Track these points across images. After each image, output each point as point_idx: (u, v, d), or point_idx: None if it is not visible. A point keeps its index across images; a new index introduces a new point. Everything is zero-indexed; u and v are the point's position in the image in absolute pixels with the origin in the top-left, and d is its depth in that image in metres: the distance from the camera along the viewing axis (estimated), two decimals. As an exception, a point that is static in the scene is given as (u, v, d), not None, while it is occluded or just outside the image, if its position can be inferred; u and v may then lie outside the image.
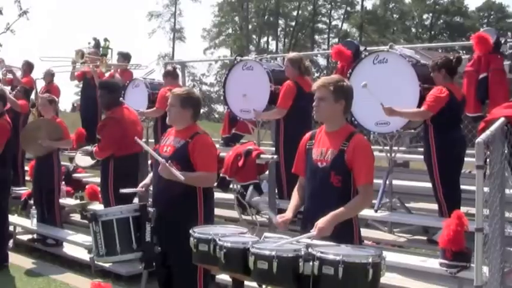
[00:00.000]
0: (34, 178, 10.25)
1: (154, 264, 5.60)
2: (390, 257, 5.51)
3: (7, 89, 13.20)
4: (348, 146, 4.71)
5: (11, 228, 10.25)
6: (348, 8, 61.77)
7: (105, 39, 29.54)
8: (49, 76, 14.36)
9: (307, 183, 4.96)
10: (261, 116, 9.57)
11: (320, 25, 64.00)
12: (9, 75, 14.61)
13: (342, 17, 62.70)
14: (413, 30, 62.17)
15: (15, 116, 12.31)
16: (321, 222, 4.55)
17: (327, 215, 4.56)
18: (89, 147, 9.02)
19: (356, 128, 5.83)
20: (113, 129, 8.24)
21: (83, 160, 9.79)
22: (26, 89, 13.17)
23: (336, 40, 57.41)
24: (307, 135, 5.11)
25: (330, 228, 4.53)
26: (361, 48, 9.29)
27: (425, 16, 62.14)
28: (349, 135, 4.79)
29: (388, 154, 8.52)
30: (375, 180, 4.96)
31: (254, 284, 4.48)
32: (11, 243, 10.10)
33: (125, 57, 13.75)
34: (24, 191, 12.19)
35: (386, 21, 60.24)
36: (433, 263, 6.64)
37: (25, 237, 10.43)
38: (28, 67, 14.45)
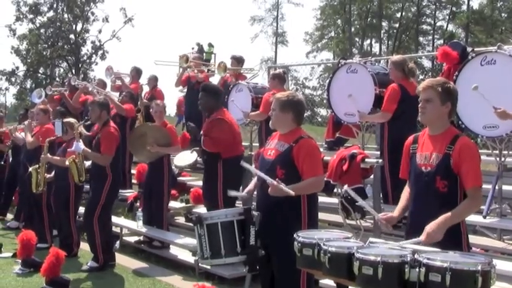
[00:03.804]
0: (145, 181, 10.50)
1: (258, 267, 5.60)
2: (500, 265, 5.31)
3: (116, 95, 13.56)
4: (454, 149, 4.60)
5: (117, 229, 10.51)
6: (453, 8, 60.26)
7: (210, 44, 30.01)
8: (153, 81, 14.65)
9: (412, 188, 4.89)
10: (366, 118, 9.46)
11: (424, 26, 62.76)
12: (118, 82, 14.98)
13: (447, 17, 61.22)
14: (523, 29, 60.17)
15: (122, 121, 12.62)
16: (430, 227, 4.47)
17: (436, 220, 4.47)
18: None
19: (463, 132, 5.66)
20: (224, 128, 8.44)
21: (181, 160, 9.90)
22: (132, 94, 13.46)
23: (441, 41, 56.18)
24: (410, 138, 5.03)
25: (440, 234, 4.45)
26: (468, 49, 9.02)
27: (536, 14, 60.07)
28: (453, 138, 4.67)
29: (498, 158, 8.24)
30: (484, 186, 4.80)
31: (358, 289, 4.41)
32: (117, 244, 10.35)
33: (239, 61, 13.83)
34: (130, 193, 12.48)
35: (494, 21, 58.33)
36: (547, 273, 6.34)
37: (131, 239, 10.67)
38: (136, 73, 14.78)
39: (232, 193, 6.19)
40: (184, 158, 9.93)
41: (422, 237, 4.47)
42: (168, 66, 15.48)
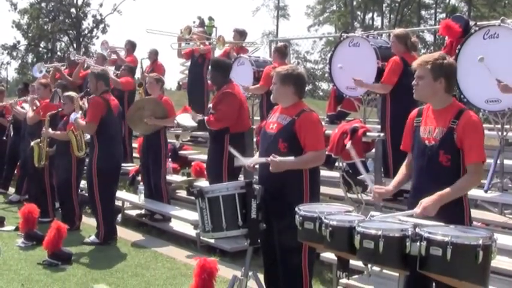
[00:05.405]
0: (142, 155, 10.50)
1: (259, 241, 5.60)
2: (501, 239, 5.32)
3: (111, 69, 13.57)
4: (458, 123, 4.56)
5: (119, 203, 10.53)
6: (456, -18, 60.00)
7: (210, 18, 29.95)
8: (154, 55, 14.63)
9: (415, 162, 4.85)
10: (364, 85, 9.36)
11: (427, 0, 62.53)
12: (114, 56, 14.99)
13: (450, -9, 61.02)
14: (527, 2, 59.66)
15: (120, 94, 12.62)
16: (426, 201, 4.45)
17: (433, 195, 4.45)
18: (199, 115, 8.95)
19: (465, 106, 5.64)
20: (232, 102, 8.36)
21: (184, 120, 9.84)
22: (131, 67, 13.47)
23: (443, 15, 55.88)
24: (415, 111, 4.99)
25: (435, 209, 4.42)
26: (471, 23, 8.96)
27: (540, -14, 59.50)
28: (458, 112, 4.63)
29: (499, 133, 8.23)
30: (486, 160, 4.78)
31: (359, 262, 4.42)
32: (119, 217, 10.39)
33: (241, 34, 13.82)
34: (132, 167, 12.49)
35: (497, -6, 58.05)
36: (547, 247, 6.34)
37: (133, 212, 10.70)
38: (131, 46, 14.82)
39: (235, 153, 6.01)
40: (188, 119, 9.83)
41: (416, 210, 4.47)
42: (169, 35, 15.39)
